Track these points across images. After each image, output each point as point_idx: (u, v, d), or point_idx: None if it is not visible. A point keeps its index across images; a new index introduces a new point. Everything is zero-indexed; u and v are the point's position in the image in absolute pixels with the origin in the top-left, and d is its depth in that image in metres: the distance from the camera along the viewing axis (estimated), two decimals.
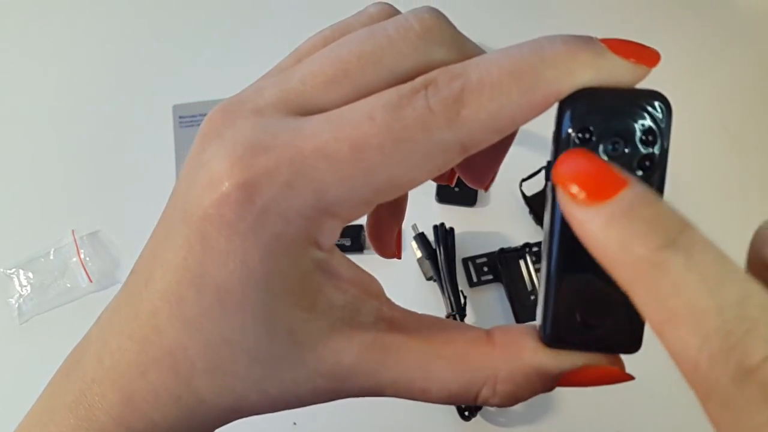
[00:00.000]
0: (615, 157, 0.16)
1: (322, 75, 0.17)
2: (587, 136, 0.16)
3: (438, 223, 0.55)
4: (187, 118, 0.64)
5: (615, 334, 0.17)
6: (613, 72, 0.16)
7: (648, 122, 0.16)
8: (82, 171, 0.62)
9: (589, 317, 0.17)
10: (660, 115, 0.16)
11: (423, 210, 0.58)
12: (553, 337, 0.17)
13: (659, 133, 0.16)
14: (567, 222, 0.15)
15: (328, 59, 0.17)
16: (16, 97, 0.65)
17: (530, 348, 0.18)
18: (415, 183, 0.16)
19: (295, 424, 0.52)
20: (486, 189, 0.22)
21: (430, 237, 0.55)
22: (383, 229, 0.24)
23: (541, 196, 0.57)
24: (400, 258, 0.25)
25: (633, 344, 0.17)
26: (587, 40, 0.16)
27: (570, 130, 0.16)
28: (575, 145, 0.16)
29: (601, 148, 0.16)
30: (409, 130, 0.15)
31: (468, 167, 0.22)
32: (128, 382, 0.18)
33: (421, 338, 0.19)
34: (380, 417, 0.52)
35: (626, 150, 0.16)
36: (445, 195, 0.58)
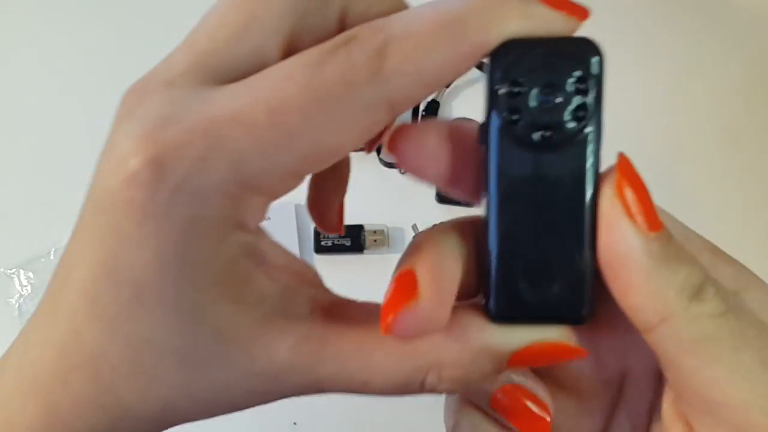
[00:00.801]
0: (546, 107, 0.15)
1: (231, 25, 0.15)
2: (516, 88, 0.15)
3: (437, 223, 0.55)
4: None
5: (564, 305, 0.16)
6: (543, 22, 0.15)
7: (579, 71, 0.15)
8: (83, 171, 0.62)
9: (535, 288, 0.16)
10: (591, 63, 0.15)
11: (423, 210, 0.58)
12: (498, 313, 0.16)
13: (592, 82, 0.15)
14: (505, 188, 0.15)
15: (231, 4, 0.16)
16: (16, 96, 0.65)
17: (475, 326, 0.16)
18: (344, 148, 0.15)
19: (295, 423, 0.52)
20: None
21: None
22: (324, 203, 0.22)
23: None
24: (342, 233, 0.23)
25: (584, 314, 0.16)
26: None
27: (500, 82, 0.15)
28: (505, 96, 0.15)
29: (531, 98, 0.15)
30: (330, 87, 0.14)
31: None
32: (50, 392, 0.16)
33: (361, 327, 0.17)
34: (382, 416, 0.52)
35: (558, 100, 0.15)
36: (445, 195, 0.58)
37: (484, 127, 0.16)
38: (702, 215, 0.60)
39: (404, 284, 0.16)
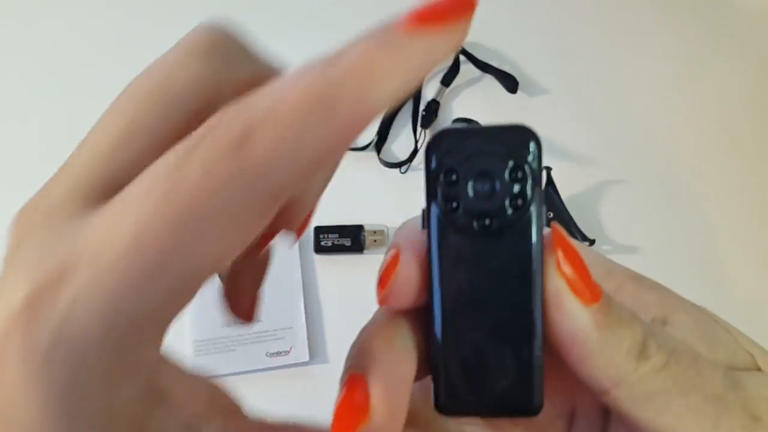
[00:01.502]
0: (484, 196, 0.15)
1: (110, 135, 0.14)
2: (453, 177, 0.15)
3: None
4: None
5: (515, 397, 0.16)
6: (419, 61, 0.13)
7: (514, 159, 0.15)
8: None
9: (483, 380, 0.16)
10: (527, 151, 0.15)
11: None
12: (446, 407, 0.16)
13: (528, 170, 0.15)
14: (447, 276, 0.15)
15: (113, 113, 0.14)
16: (17, 97, 0.65)
17: (423, 418, 0.16)
18: (231, 252, 0.13)
19: None
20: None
21: None
22: (239, 290, 0.20)
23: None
24: (251, 322, 0.21)
25: (536, 405, 0.16)
26: (379, 35, 0.13)
27: (436, 172, 0.15)
28: (442, 186, 0.15)
29: (469, 188, 0.15)
30: (195, 192, 0.12)
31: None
32: None
33: None
34: None
35: (495, 189, 0.15)
36: None
37: (425, 214, 0.16)
38: (703, 214, 0.60)
39: (354, 399, 0.15)
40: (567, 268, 0.15)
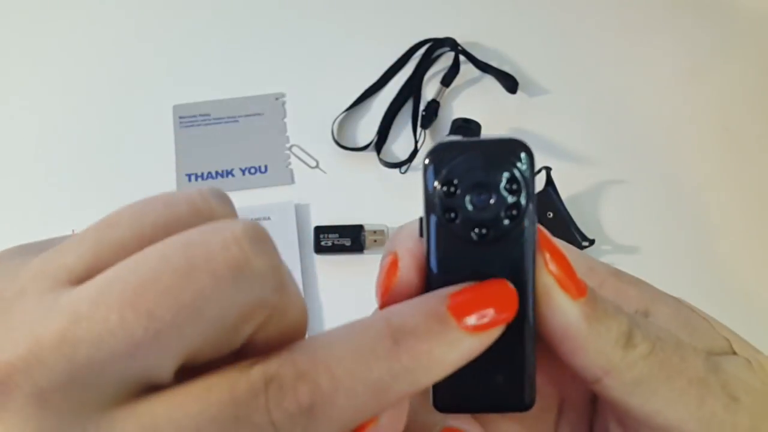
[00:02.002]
0: (481, 207, 0.16)
1: (124, 337, 0.12)
2: (452, 189, 0.16)
3: None
4: (188, 119, 0.64)
5: (508, 395, 0.17)
6: (468, 353, 0.15)
7: (509, 172, 0.16)
8: (83, 170, 0.62)
9: (478, 379, 0.17)
10: (521, 164, 0.16)
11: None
12: (443, 404, 0.17)
13: (522, 182, 0.16)
14: (445, 282, 0.16)
15: (121, 307, 0.12)
16: (17, 97, 0.65)
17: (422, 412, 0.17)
18: None
19: None
20: None
21: None
22: None
23: (542, 196, 0.57)
24: None
25: (527, 402, 0.17)
26: (437, 326, 0.14)
27: (435, 184, 0.16)
28: (441, 197, 0.16)
29: (467, 199, 0.16)
30: None
31: None
32: None
33: None
34: None
35: (491, 201, 0.16)
36: None
37: (423, 222, 0.17)
38: (704, 215, 0.60)
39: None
40: (553, 267, 0.16)
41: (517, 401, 0.17)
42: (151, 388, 0.13)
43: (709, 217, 0.60)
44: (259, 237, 0.13)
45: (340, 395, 0.13)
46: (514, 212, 0.16)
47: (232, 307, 0.13)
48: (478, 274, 0.16)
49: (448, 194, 0.16)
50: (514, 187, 0.16)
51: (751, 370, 0.17)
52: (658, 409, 0.16)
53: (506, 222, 0.16)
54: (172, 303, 0.12)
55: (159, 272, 0.12)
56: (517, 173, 0.16)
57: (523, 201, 0.16)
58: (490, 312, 0.15)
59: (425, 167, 0.16)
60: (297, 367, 0.13)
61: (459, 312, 0.15)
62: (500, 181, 0.16)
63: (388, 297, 0.17)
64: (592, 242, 0.56)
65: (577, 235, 0.56)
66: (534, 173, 0.16)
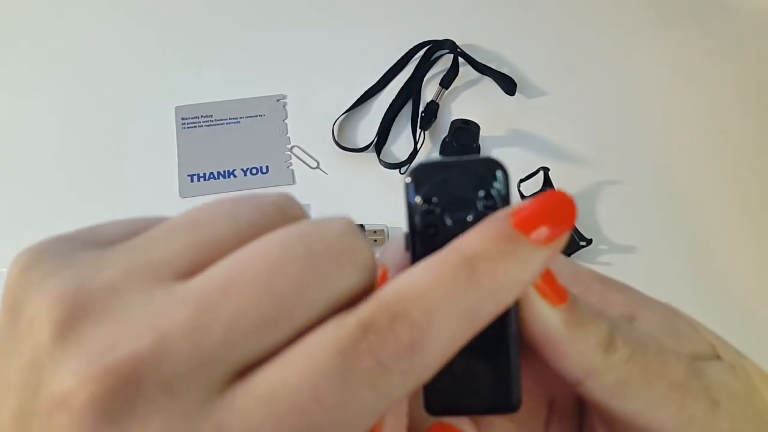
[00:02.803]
0: (460, 223, 0.17)
1: (254, 318, 0.13)
2: (431, 207, 0.17)
3: None
4: (190, 120, 0.64)
5: (496, 397, 0.17)
6: (540, 266, 0.15)
7: (485, 189, 0.17)
8: (85, 171, 0.62)
9: (466, 382, 0.17)
10: (497, 182, 0.17)
11: None
12: (435, 406, 0.17)
13: (498, 198, 0.17)
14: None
15: (255, 291, 0.13)
16: (19, 98, 0.66)
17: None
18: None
19: None
20: None
21: None
22: None
23: None
24: None
25: (515, 402, 0.18)
26: (507, 242, 0.15)
27: (416, 200, 0.17)
28: (422, 215, 0.17)
29: (446, 216, 0.17)
30: (359, 394, 0.13)
31: None
32: None
33: None
34: None
35: (469, 217, 0.17)
36: None
37: (407, 237, 0.18)
38: (700, 215, 0.60)
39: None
40: None
41: (505, 403, 0.17)
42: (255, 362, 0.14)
43: (705, 217, 0.60)
44: (357, 230, 0.15)
45: (434, 328, 0.14)
46: None
47: (346, 288, 0.14)
48: None
49: (428, 211, 0.17)
50: (490, 203, 0.17)
51: (734, 375, 0.18)
52: (638, 411, 0.17)
53: None
54: (302, 285, 0.13)
55: (285, 259, 0.14)
56: (493, 191, 0.17)
57: None
58: (553, 222, 0.15)
59: (406, 185, 0.17)
60: (390, 309, 0.14)
61: (525, 228, 0.15)
62: (477, 198, 0.17)
63: None
64: (589, 242, 0.57)
65: (575, 235, 0.57)
66: (509, 190, 0.17)
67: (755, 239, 0.59)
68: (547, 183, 0.58)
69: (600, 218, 0.60)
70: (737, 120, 0.65)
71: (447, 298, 0.14)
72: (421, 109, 0.64)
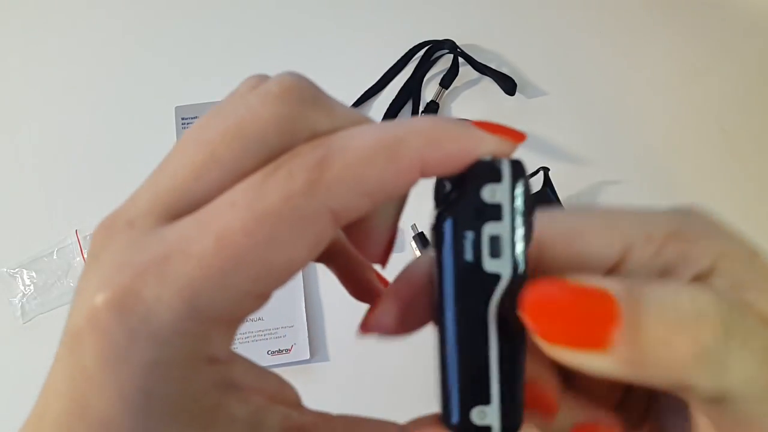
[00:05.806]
0: (495, 255, 0.16)
1: (190, 165, 0.16)
2: (469, 245, 0.16)
3: None
4: (190, 120, 0.64)
5: (507, 417, 0.17)
6: (479, 144, 0.16)
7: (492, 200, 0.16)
8: (86, 172, 0.62)
9: (483, 403, 0.17)
10: (502, 191, 0.16)
11: (423, 210, 0.58)
12: (462, 426, 0.17)
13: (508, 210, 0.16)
14: (461, 311, 0.16)
15: (193, 143, 0.16)
16: (19, 98, 0.66)
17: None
18: (295, 264, 0.15)
19: None
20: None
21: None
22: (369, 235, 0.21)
23: (539, 196, 0.57)
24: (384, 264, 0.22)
25: (518, 424, 0.17)
26: (455, 120, 0.16)
27: (455, 241, 0.17)
28: (463, 245, 0.17)
29: (484, 251, 0.16)
30: (271, 204, 0.15)
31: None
32: None
33: None
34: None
35: (503, 254, 0.16)
36: None
37: (437, 265, 0.17)
38: None
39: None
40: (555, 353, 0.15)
41: (513, 424, 0.17)
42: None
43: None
44: (294, 76, 0.17)
45: (349, 150, 0.15)
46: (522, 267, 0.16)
47: (270, 128, 0.16)
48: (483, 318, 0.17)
49: (474, 242, 0.16)
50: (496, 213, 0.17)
51: None
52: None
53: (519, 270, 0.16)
54: (222, 128, 0.16)
55: (216, 125, 0.16)
56: (497, 200, 0.16)
57: (504, 230, 0.16)
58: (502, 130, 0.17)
59: (441, 231, 0.17)
60: (315, 141, 0.16)
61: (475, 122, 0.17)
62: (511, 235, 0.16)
63: (367, 327, 0.18)
64: None
65: None
66: (514, 194, 0.16)
67: (755, 239, 0.59)
68: (547, 183, 0.58)
69: None
70: (737, 120, 0.65)
71: (371, 134, 0.15)
72: (421, 109, 0.64)
